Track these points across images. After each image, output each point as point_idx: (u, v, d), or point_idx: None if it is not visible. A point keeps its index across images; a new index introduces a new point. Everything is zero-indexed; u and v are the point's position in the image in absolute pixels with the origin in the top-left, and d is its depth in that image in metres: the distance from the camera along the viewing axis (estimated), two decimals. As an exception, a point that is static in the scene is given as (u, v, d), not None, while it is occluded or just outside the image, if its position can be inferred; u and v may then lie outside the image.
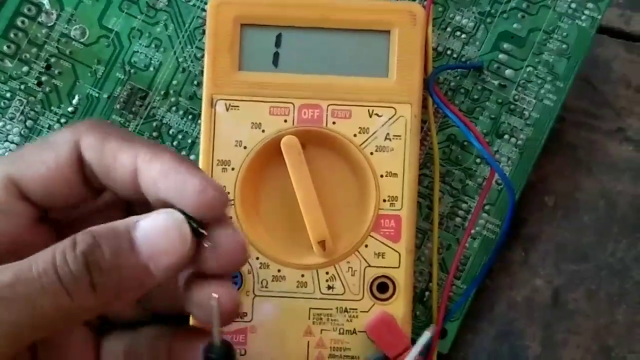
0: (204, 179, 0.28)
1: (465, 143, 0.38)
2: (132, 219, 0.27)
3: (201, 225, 0.28)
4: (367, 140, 0.36)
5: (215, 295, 0.28)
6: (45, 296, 0.25)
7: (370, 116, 0.36)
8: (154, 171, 0.29)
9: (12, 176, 0.30)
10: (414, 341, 0.36)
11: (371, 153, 0.36)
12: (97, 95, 0.38)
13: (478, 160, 0.38)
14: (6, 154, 0.38)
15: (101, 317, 0.33)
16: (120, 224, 0.27)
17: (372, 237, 0.36)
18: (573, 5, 0.38)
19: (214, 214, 0.28)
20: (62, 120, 0.38)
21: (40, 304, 0.25)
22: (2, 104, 0.38)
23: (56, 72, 0.38)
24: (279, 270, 0.36)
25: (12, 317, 0.25)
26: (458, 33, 0.38)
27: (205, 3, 0.38)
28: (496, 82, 0.38)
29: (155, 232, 0.27)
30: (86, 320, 0.31)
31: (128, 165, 0.29)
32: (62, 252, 0.26)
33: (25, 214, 0.30)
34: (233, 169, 0.36)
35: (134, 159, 0.29)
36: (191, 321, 0.34)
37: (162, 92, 0.38)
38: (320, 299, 0.36)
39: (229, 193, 0.35)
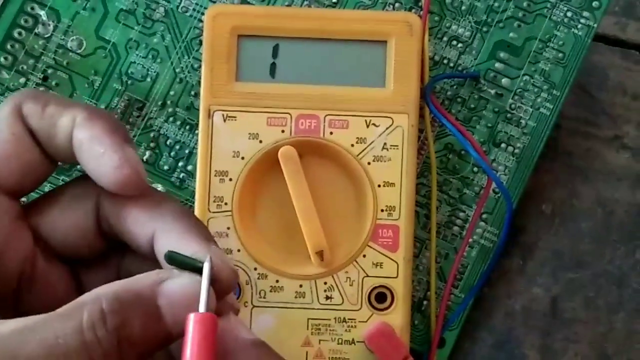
0: (124, 156, 0.28)
1: (463, 152, 0.38)
2: (155, 277, 0.26)
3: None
4: (364, 150, 0.36)
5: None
6: None
7: (368, 126, 0.36)
8: (83, 136, 0.28)
9: None
10: (412, 351, 0.36)
11: (368, 163, 0.36)
12: (94, 106, 0.38)
13: (475, 169, 0.38)
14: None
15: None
16: (145, 287, 0.26)
17: (370, 247, 0.36)
18: (569, 14, 0.38)
19: (127, 192, 0.28)
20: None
21: None
22: (-1, 115, 0.38)
23: (53, 83, 0.38)
24: (277, 281, 0.36)
25: None
26: (454, 42, 0.38)
27: (202, 14, 0.38)
28: (493, 91, 0.38)
29: (183, 303, 0.26)
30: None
31: (67, 128, 0.28)
32: (91, 326, 0.25)
33: (6, 210, 0.29)
34: (231, 179, 0.36)
35: (72, 122, 0.28)
36: None
37: (160, 103, 0.38)
38: (319, 309, 0.35)
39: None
